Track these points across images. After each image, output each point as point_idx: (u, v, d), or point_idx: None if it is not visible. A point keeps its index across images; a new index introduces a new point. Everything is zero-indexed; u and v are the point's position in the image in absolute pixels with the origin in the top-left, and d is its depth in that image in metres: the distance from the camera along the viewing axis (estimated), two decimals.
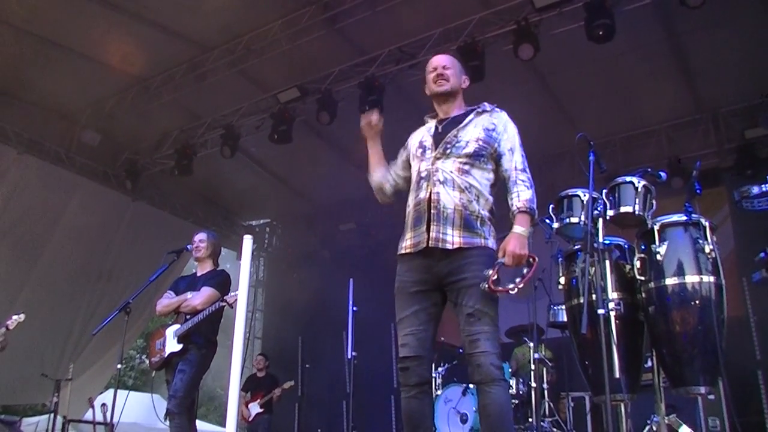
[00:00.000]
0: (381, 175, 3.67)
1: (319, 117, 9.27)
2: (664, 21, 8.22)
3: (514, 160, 3.35)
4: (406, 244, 3.36)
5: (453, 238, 3.21)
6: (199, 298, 5.49)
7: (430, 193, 3.30)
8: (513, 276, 3.13)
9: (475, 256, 3.20)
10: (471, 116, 3.47)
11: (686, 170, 9.25)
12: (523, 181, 3.30)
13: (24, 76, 9.43)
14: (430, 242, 3.23)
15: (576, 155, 4.28)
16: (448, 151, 3.36)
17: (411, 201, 3.43)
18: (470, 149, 3.34)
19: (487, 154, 3.36)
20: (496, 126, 3.42)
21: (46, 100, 10.08)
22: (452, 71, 3.56)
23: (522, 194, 3.26)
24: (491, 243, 3.29)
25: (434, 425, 6.90)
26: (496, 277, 3.08)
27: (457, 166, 3.32)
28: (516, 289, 3.09)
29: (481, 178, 3.34)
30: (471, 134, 3.38)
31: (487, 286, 3.07)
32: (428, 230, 3.25)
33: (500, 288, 3.08)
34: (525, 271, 3.12)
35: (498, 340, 3.17)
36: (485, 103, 3.54)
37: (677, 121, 10.12)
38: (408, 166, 3.60)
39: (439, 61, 3.62)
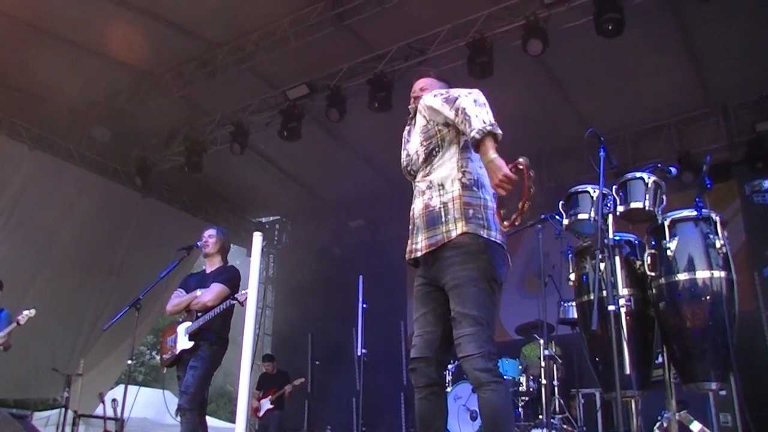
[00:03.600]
0: None
1: (328, 114, 9.28)
2: (674, 14, 8.17)
3: (449, 115, 3.11)
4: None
5: (420, 244, 3.24)
6: (209, 294, 5.50)
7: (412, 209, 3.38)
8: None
9: (449, 258, 3.11)
10: (412, 127, 3.49)
11: (696, 164, 9.20)
12: (465, 115, 3.02)
13: (34, 72, 9.47)
14: (406, 254, 3.33)
15: (586, 151, 4.25)
16: (411, 169, 3.41)
17: None
18: (422, 156, 3.31)
19: (437, 143, 3.26)
20: (426, 115, 3.31)
21: (57, 96, 10.12)
22: (427, 92, 3.43)
23: (469, 124, 2.99)
24: (460, 227, 3.10)
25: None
26: (503, 211, 2.97)
27: (422, 175, 3.33)
28: (524, 205, 2.83)
29: (445, 166, 3.25)
30: (414, 143, 3.39)
31: (506, 225, 2.95)
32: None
33: (513, 219, 2.89)
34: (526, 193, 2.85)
35: (486, 339, 3.00)
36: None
37: (687, 114, 10.07)
38: None
39: (415, 86, 3.62)
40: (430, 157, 3.29)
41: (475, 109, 3.02)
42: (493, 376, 2.95)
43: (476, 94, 3.13)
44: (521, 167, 2.83)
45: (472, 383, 3.03)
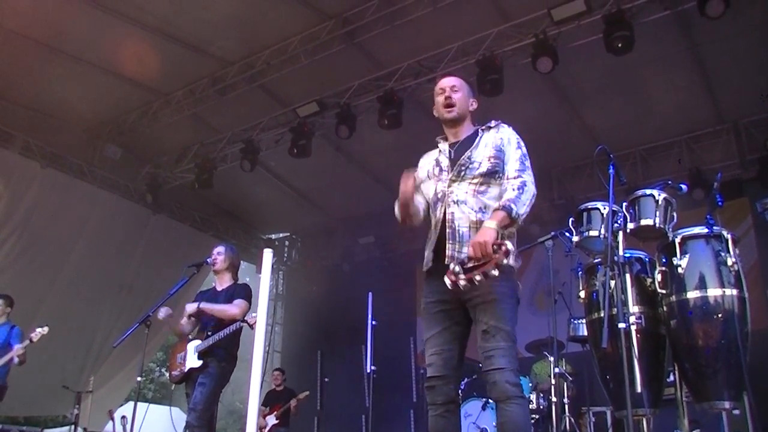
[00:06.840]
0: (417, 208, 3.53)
1: (338, 131, 9.31)
2: (684, 31, 8.17)
3: (507, 171, 3.32)
4: (425, 263, 3.40)
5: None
6: (236, 308, 5.51)
7: (445, 213, 3.31)
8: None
9: None
10: (480, 135, 3.46)
11: (708, 182, 9.16)
12: (512, 186, 3.25)
13: (47, 90, 9.58)
14: (446, 260, 3.22)
15: (596, 167, 4.26)
16: (463, 173, 3.35)
17: (430, 222, 3.44)
18: (484, 169, 3.32)
19: (501, 171, 3.33)
20: (503, 141, 3.40)
21: (69, 114, 10.22)
22: (460, 94, 3.52)
23: (505, 195, 3.22)
24: (507, 260, 3.13)
25: None
26: (458, 269, 3.00)
27: (473, 188, 3.31)
28: (478, 275, 2.93)
29: (498, 197, 3.30)
30: (483, 153, 3.37)
31: (448, 280, 3.00)
32: (444, 249, 3.25)
33: (462, 278, 2.96)
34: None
35: (515, 356, 3.12)
36: (492, 120, 3.53)
37: (698, 132, 10.04)
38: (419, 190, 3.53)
39: (447, 82, 3.58)
40: (491, 176, 3.32)
41: (527, 195, 3.22)
42: (520, 391, 3.07)
43: (533, 185, 3.31)
44: (503, 248, 2.94)
45: (498, 396, 3.06)
